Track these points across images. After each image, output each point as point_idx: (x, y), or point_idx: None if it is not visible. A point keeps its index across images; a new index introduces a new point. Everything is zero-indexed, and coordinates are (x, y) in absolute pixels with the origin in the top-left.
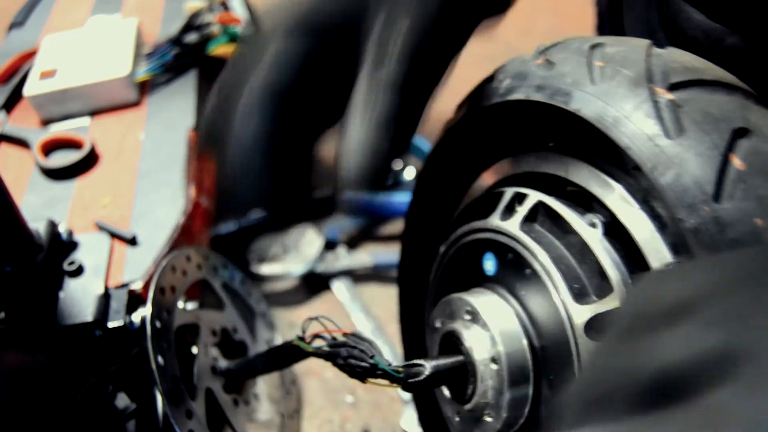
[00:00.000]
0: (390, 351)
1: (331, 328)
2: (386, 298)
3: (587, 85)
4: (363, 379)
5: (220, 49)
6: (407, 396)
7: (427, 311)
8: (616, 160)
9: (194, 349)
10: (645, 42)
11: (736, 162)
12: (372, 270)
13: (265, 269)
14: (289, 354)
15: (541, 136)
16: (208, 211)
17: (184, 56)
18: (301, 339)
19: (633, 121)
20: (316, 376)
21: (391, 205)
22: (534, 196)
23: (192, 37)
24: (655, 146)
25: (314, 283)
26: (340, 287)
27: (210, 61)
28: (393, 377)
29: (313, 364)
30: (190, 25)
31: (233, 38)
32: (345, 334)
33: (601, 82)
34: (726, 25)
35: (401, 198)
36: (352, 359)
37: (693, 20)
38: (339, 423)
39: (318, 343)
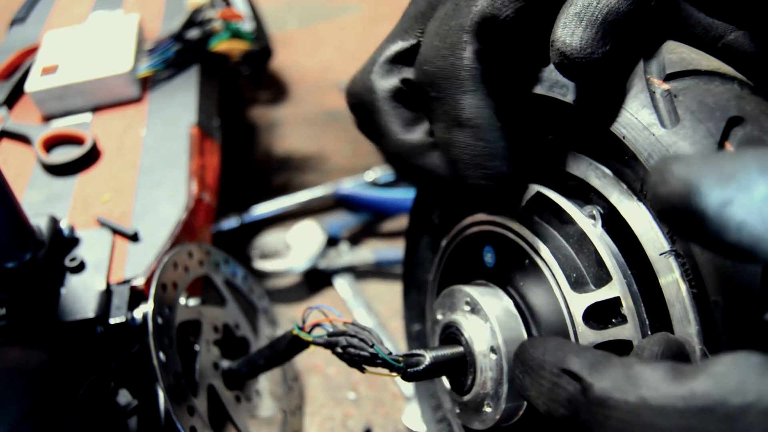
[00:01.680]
0: (392, 347)
1: (331, 317)
2: (388, 294)
3: None
4: (362, 369)
5: (221, 45)
6: (409, 392)
7: (429, 304)
8: (613, 151)
9: (196, 346)
10: None
11: (731, 150)
12: (374, 266)
13: (267, 265)
14: (289, 345)
15: (541, 128)
16: (210, 207)
17: (185, 52)
18: (301, 328)
19: (629, 111)
20: (319, 373)
21: (394, 202)
22: (533, 188)
23: (194, 33)
24: (650, 135)
25: (316, 280)
26: (342, 284)
27: (212, 57)
28: (392, 366)
29: (315, 360)
30: (192, 21)
31: (235, 34)
32: (345, 323)
33: None
34: (726, 21)
35: (404, 194)
36: (351, 348)
37: (693, 17)
38: (341, 420)
39: (318, 332)
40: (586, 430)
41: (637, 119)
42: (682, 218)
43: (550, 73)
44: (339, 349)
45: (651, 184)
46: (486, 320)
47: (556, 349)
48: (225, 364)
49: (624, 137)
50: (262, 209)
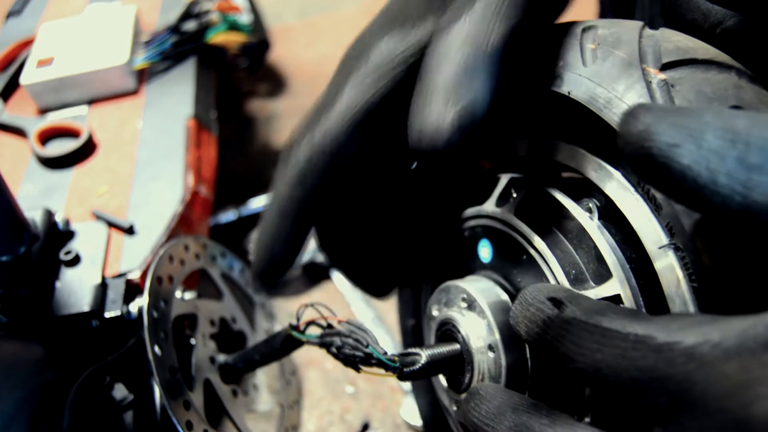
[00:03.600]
0: (390, 341)
1: (326, 315)
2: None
3: (579, 67)
4: (358, 368)
5: (218, 37)
6: (408, 386)
7: (424, 299)
8: (610, 143)
9: (192, 340)
10: (638, 23)
11: None
12: None
13: None
14: (284, 343)
15: (536, 120)
16: (207, 200)
17: (182, 44)
18: (295, 327)
19: (625, 101)
20: (317, 367)
21: None
22: (529, 181)
23: (191, 25)
24: None
25: (314, 273)
26: (340, 277)
27: (209, 49)
28: (388, 366)
29: (313, 354)
30: (189, 13)
31: (232, 26)
32: (340, 322)
33: (592, 64)
34: (726, 7)
35: None
36: (346, 348)
37: (692, 2)
38: (339, 413)
39: (313, 330)
40: (550, 344)
41: None
42: (636, 156)
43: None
44: (334, 349)
45: (618, 124)
46: (483, 317)
47: (551, 286)
48: (221, 358)
49: None
50: (260, 202)
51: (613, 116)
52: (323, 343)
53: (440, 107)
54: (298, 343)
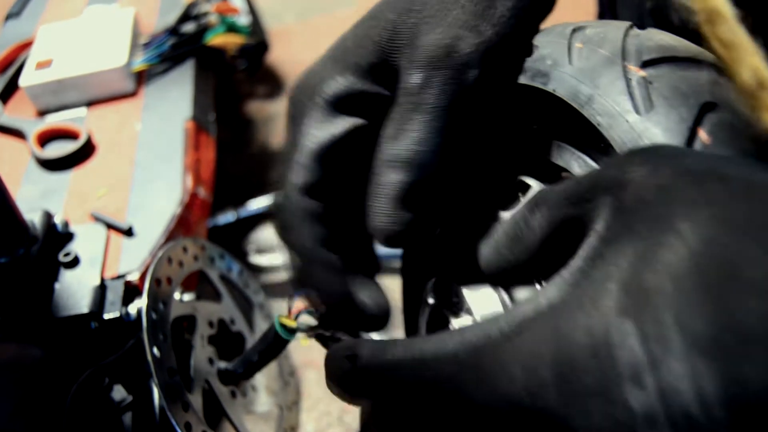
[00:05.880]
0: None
1: (317, 304)
2: (385, 288)
3: (565, 65)
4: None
5: (217, 39)
6: None
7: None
8: (592, 139)
9: (191, 341)
10: (626, 23)
11: (703, 135)
12: None
13: (263, 260)
14: (276, 337)
15: (526, 118)
16: (205, 201)
17: (181, 46)
18: (285, 321)
19: (605, 98)
20: (315, 368)
21: None
22: (536, 186)
23: (189, 27)
24: (624, 122)
25: None
26: None
27: (207, 51)
28: None
29: (311, 355)
30: (188, 15)
31: (230, 28)
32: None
33: (578, 62)
34: None
35: None
36: (338, 335)
37: (677, 2)
38: (337, 415)
39: (304, 319)
40: (351, 397)
41: (613, 106)
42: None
43: (534, 62)
44: (327, 335)
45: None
46: (471, 316)
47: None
48: (222, 365)
49: (599, 124)
50: (258, 204)
51: (593, 113)
52: (314, 329)
53: (386, 214)
54: (292, 331)
